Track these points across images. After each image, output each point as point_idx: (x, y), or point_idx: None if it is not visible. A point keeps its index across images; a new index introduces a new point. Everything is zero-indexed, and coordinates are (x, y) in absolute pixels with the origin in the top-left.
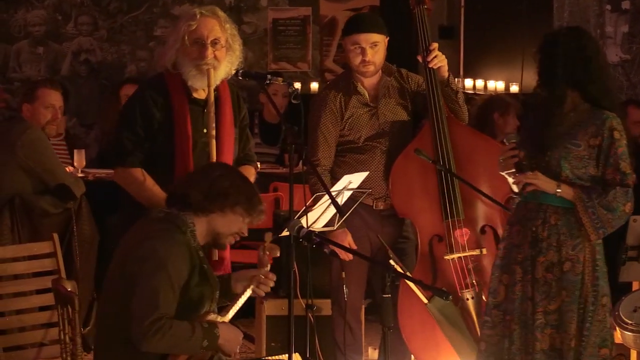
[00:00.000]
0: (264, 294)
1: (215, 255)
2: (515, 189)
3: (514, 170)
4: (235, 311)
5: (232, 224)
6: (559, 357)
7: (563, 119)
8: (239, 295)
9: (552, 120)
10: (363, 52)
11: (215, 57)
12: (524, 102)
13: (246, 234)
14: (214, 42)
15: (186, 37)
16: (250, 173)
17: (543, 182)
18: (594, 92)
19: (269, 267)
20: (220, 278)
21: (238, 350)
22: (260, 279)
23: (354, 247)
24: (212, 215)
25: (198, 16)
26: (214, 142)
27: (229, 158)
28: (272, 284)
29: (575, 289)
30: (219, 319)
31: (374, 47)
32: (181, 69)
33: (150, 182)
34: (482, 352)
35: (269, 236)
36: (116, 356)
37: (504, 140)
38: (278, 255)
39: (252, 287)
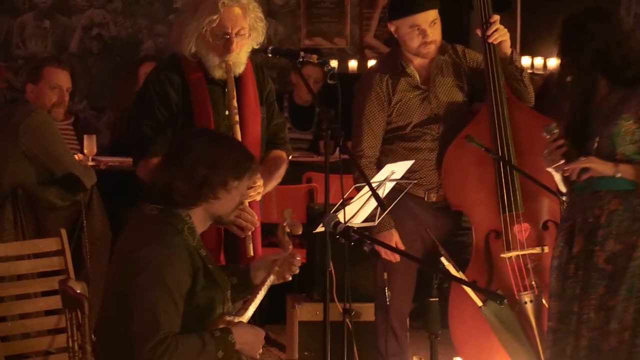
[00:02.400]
0: (290, 278)
1: (250, 250)
2: (563, 188)
3: (562, 161)
4: (256, 305)
5: (231, 201)
6: (609, 353)
7: (602, 101)
8: (259, 287)
9: (590, 105)
10: (423, 33)
11: (239, 46)
12: (553, 91)
13: (247, 198)
14: (238, 33)
15: (208, 32)
16: (281, 159)
17: (600, 165)
18: (631, 75)
19: (291, 249)
20: (238, 271)
21: (261, 351)
22: (283, 263)
23: (402, 247)
24: (206, 203)
25: (221, 8)
26: (237, 128)
27: (256, 143)
28: (297, 267)
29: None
30: (236, 319)
31: (432, 26)
32: (202, 58)
33: None
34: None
35: (288, 212)
36: None
37: (544, 133)
38: (300, 232)
39: (273, 275)
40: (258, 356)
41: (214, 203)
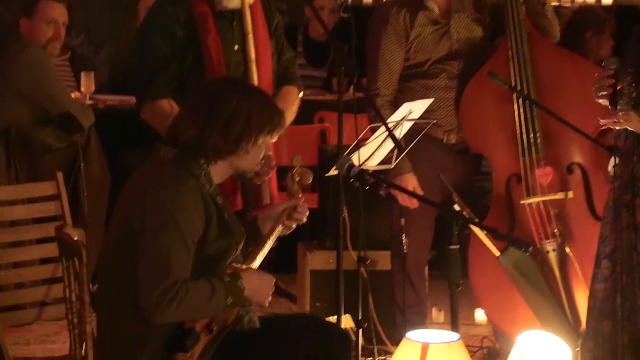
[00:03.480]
0: (295, 226)
1: (267, 198)
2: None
3: (606, 103)
4: (264, 255)
5: (258, 156)
6: None
7: None
8: (267, 237)
9: None
10: None
11: None
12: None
13: (269, 152)
14: None
15: None
16: (293, 96)
17: (638, 123)
18: None
19: (301, 199)
20: (245, 222)
21: (270, 299)
22: (291, 213)
23: (420, 192)
24: (235, 157)
25: None
26: (254, 67)
27: (270, 81)
28: (305, 216)
29: None
30: (244, 267)
31: None
32: None
33: None
34: (591, 310)
35: (298, 160)
36: (123, 324)
37: (604, 64)
38: (310, 182)
39: (281, 225)
40: (267, 304)
41: (242, 157)
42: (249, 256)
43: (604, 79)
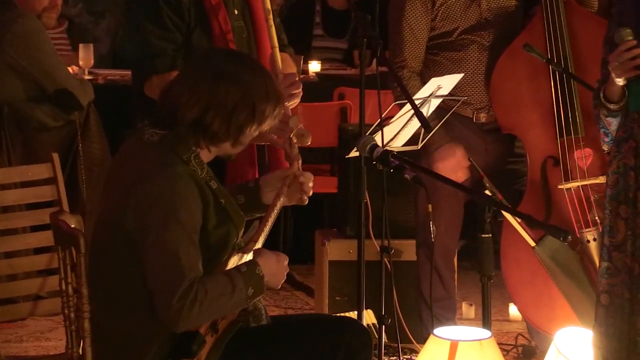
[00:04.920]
0: (306, 200)
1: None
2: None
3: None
4: (266, 234)
5: (246, 142)
6: None
7: None
8: (268, 211)
9: None
10: None
11: None
12: None
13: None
14: None
15: None
16: (290, 61)
17: None
18: None
19: (300, 163)
20: (246, 188)
21: (284, 278)
22: (293, 182)
23: (466, 164)
24: (227, 144)
25: None
26: (274, 31)
27: (267, 47)
28: (310, 187)
29: None
30: (248, 256)
31: None
32: None
33: None
34: (603, 307)
35: (294, 120)
36: (120, 326)
37: (616, 39)
38: (309, 143)
39: (283, 196)
40: (279, 286)
41: (238, 145)
42: (250, 237)
43: (624, 53)
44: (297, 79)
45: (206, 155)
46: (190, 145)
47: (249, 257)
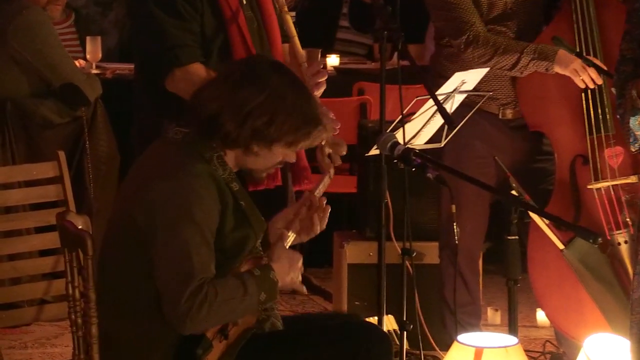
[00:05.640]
0: (316, 233)
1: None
2: None
3: None
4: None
5: (269, 161)
6: None
7: None
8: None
9: None
10: None
11: None
12: None
13: (293, 160)
14: None
15: None
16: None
17: None
18: None
19: (332, 173)
20: None
21: (300, 278)
22: (305, 219)
23: (593, 77)
24: (240, 151)
25: None
26: (297, 41)
27: (279, 40)
28: (324, 223)
29: None
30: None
31: None
32: None
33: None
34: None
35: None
36: (125, 329)
37: None
38: (344, 153)
39: (293, 232)
40: (295, 287)
41: (250, 156)
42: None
43: None
44: (321, 67)
45: (232, 161)
46: (213, 145)
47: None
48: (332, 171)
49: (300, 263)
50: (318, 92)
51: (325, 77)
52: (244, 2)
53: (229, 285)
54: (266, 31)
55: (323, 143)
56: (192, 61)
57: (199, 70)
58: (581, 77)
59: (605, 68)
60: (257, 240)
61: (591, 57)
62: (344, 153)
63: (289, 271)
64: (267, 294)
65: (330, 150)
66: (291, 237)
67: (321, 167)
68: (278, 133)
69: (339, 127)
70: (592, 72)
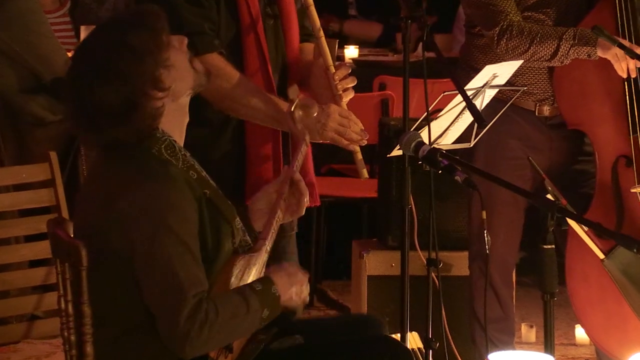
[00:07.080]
0: (302, 214)
1: (364, 172)
2: None
3: None
4: (277, 227)
5: (183, 63)
6: None
7: None
8: (278, 197)
9: None
10: None
11: None
12: None
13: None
14: None
15: None
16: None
17: None
18: None
19: (308, 139)
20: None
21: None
22: (291, 192)
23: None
24: (159, 88)
25: None
26: (324, 42)
27: (296, 38)
28: (305, 199)
29: None
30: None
31: None
32: None
33: (235, 71)
34: None
35: (293, 91)
36: (124, 348)
37: None
38: (315, 114)
39: (281, 210)
40: (301, 303)
41: (166, 90)
42: (258, 234)
43: None
44: (350, 70)
45: (172, 122)
46: (156, 134)
47: (258, 260)
48: (307, 138)
49: (300, 276)
50: (346, 99)
51: (355, 83)
52: None
53: (231, 303)
54: (283, 26)
55: (293, 107)
56: (210, 51)
57: (216, 60)
58: (622, 64)
59: None
60: (232, 224)
61: (634, 46)
62: (316, 114)
63: (291, 285)
64: (270, 310)
65: (301, 113)
66: (280, 216)
67: (294, 133)
68: (141, 51)
69: (367, 137)
70: (633, 64)
